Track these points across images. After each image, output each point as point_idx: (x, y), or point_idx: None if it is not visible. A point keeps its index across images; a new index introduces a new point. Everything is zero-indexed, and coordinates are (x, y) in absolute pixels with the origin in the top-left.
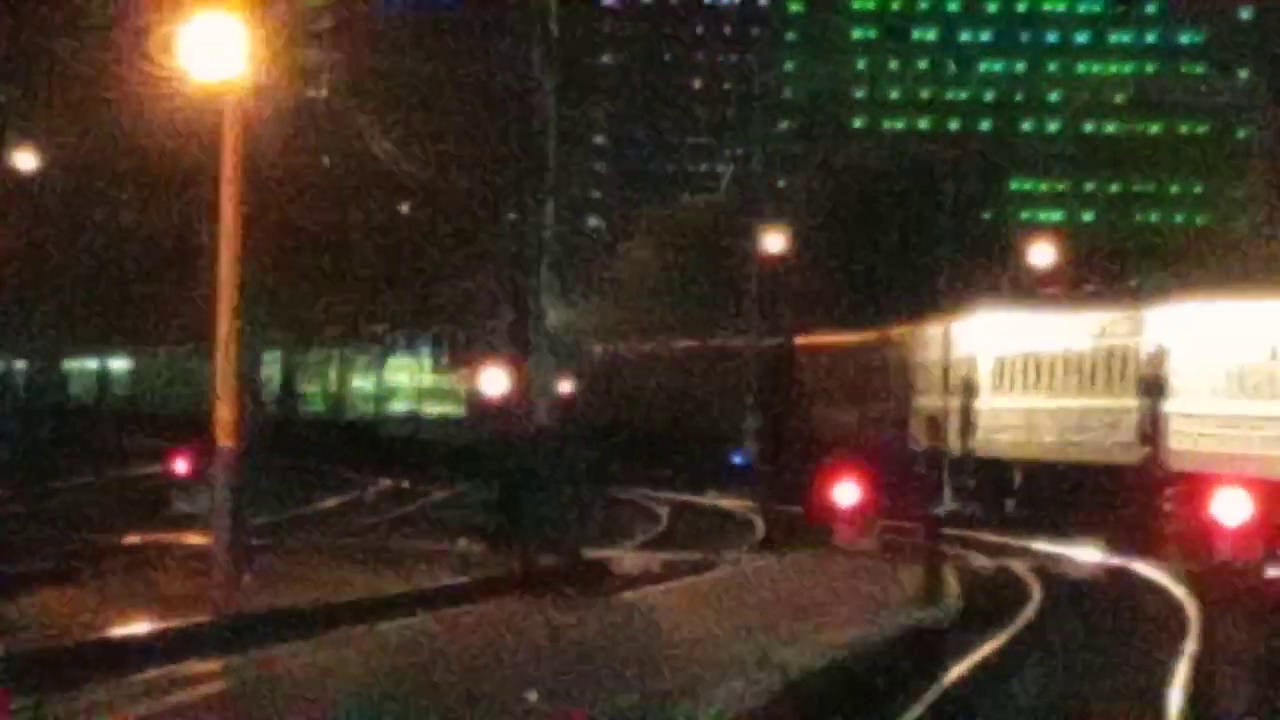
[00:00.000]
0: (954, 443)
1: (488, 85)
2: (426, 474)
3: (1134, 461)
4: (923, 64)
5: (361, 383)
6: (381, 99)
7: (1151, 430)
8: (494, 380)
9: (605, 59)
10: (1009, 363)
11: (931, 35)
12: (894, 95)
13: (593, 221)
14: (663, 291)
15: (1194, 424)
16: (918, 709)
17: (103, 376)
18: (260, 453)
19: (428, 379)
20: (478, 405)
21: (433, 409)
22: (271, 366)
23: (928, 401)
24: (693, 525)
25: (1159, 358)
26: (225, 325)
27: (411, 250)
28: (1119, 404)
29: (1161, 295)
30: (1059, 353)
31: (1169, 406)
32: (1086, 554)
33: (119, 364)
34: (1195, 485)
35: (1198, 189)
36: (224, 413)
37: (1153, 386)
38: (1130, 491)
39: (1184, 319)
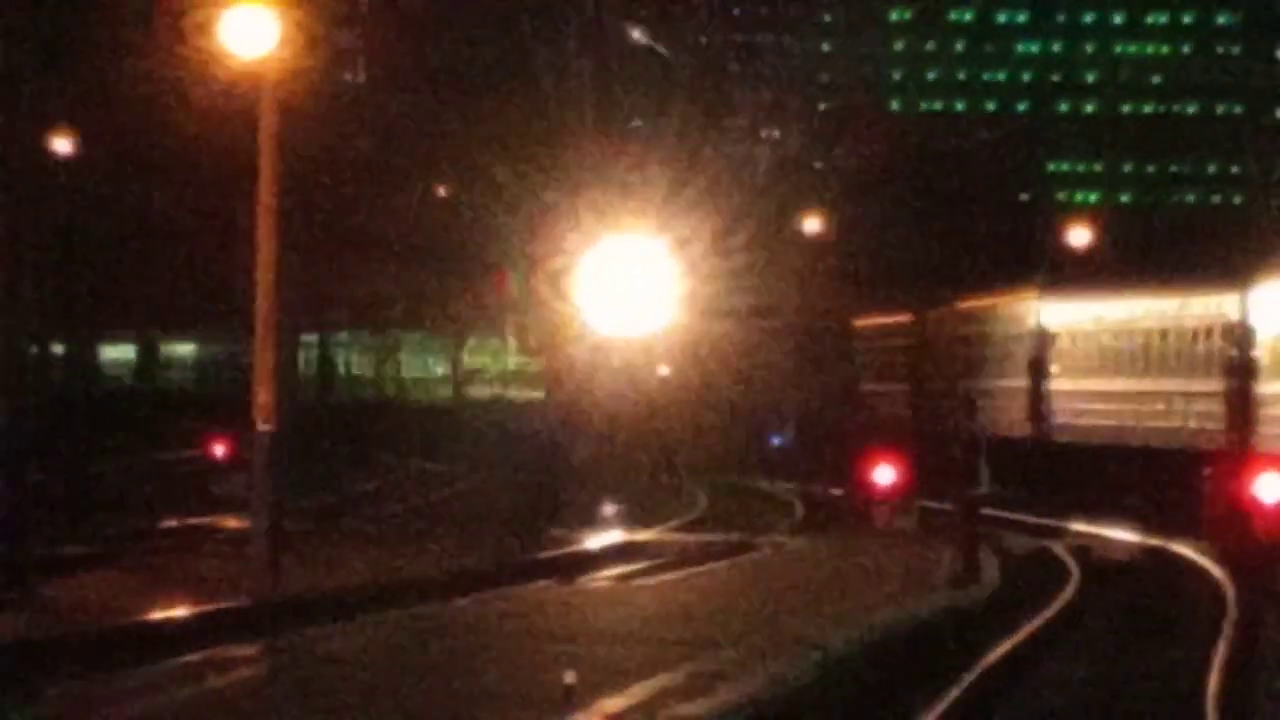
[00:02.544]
0: (1004, 424)
1: (525, 69)
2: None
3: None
4: (959, 45)
5: (438, 366)
6: (416, 83)
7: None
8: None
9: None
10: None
11: (968, 16)
12: (931, 77)
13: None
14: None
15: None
16: (954, 690)
17: (140, 360)
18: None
19: (512, 361)
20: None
21: (518, 394)
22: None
23: (969, 383)
24: (732, 508)
25: (1246, 338)
26: (264, 309)
27: (448, 234)
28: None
29: (1252, 273)
30: (1139, 333)
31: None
32: (1125, 534)
33: (155, 348)
34: (1234, 465)
35: (1234, 169)
36: (263, 397)
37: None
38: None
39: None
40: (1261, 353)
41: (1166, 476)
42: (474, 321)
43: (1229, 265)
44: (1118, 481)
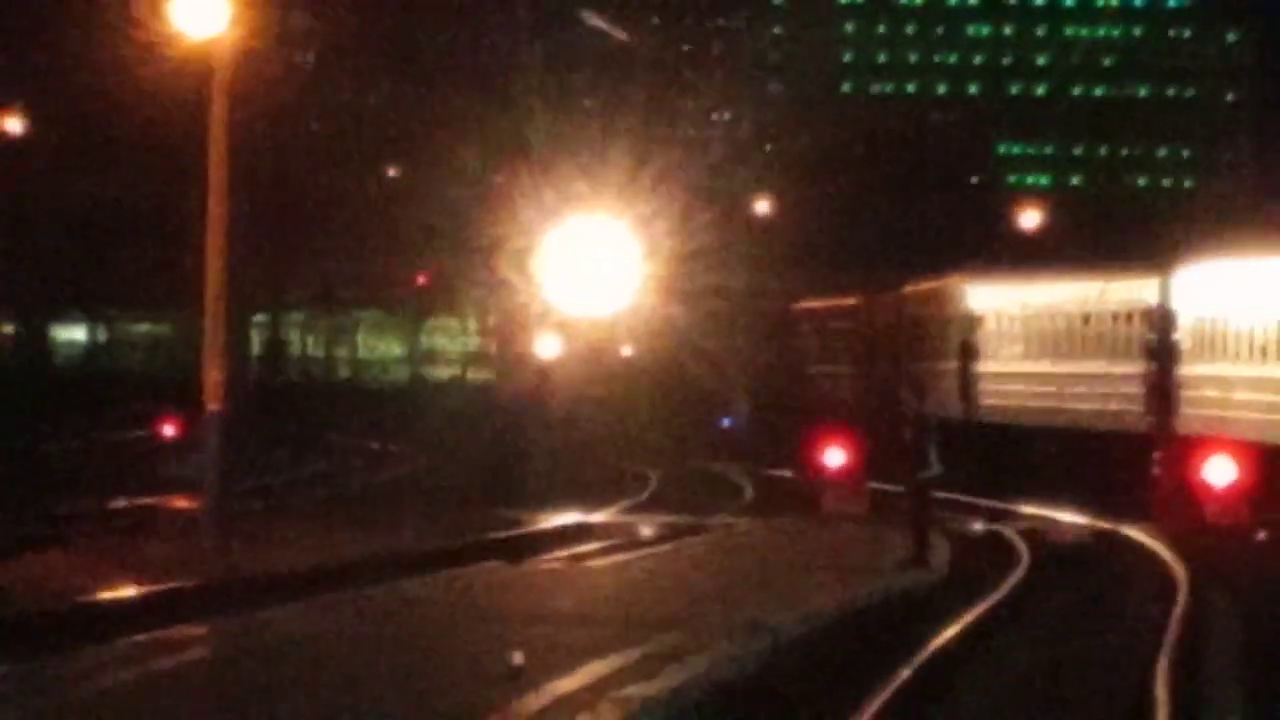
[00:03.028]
0: (951, 406)
1: (474, 50)
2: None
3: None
4: (910, 28)
5: (395, 347)
6: (368, 64)
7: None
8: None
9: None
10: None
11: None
12: (882, 59)
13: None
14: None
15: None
16: (904, 671)
17: (90, 341)
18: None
19: (473, 343)
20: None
21: (478, 375)
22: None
23: (917, 365)
24: (682, 490)
25: (1167, 322)
26: (213, 289)
27: (402, 214)
28: (1120, 370)
29: (1173, 259)
30: (1061, 317)
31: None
32: (1076, 518)
33: (105, 328)
34: (1184, 449)
35: (1186, 152)
36: (212, 377)
37: (1160, 351)
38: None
39: (1196, 281)
40: (1182, 337)
41: (1088, 456)
42: (432, 302)
43: (1149, 251)
44: (1041, 461)
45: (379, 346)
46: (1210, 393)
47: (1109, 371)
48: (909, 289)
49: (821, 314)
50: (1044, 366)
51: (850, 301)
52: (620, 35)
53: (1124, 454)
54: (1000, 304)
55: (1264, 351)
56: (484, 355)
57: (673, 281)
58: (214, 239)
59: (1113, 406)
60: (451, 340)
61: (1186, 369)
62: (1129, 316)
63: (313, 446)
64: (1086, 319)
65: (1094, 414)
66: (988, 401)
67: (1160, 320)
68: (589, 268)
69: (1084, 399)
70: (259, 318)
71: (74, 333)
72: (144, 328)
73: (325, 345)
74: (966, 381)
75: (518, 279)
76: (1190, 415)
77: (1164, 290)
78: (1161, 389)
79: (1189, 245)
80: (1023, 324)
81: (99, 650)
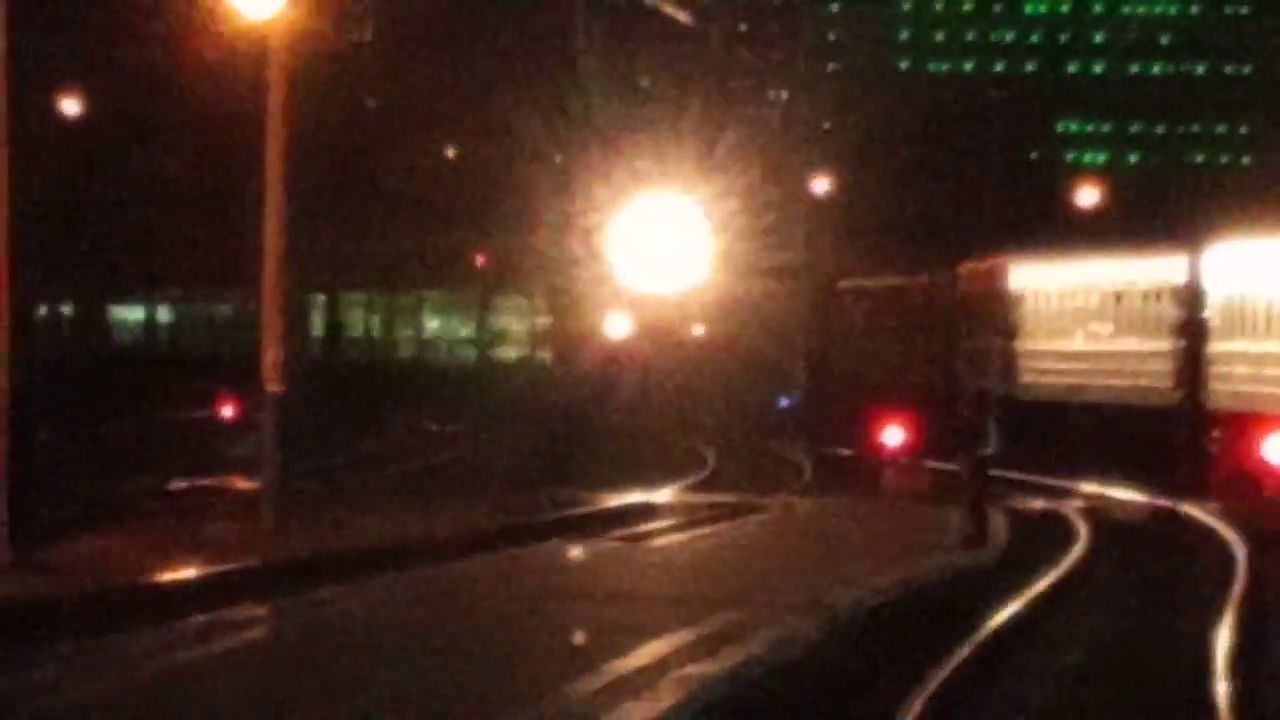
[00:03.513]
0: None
1: (530, 27)
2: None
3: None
4: (968, 5)
5: (461, 327)
6: (424, 43)
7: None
8: (619, 324)
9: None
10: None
11: None
12: (939, 38)
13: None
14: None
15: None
16: (963, 650)
17: (149, 321)
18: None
19: (542, 322)
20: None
21: (547, 355)
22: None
23: (975, 342)
24: (742, 469)
25: (1197, 299)
26: (271, 269)
27: (464, 191)
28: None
29: (1203, 236)
30: (1095, 294)
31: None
32: (1134, 495)
33: (166, 309)
34: (1243, 426)
35: (1244, 129)
36: (270, 357)
37: (1190, 328)
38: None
39: (1226, 260)
40: (1211, 314)
41: (1122, 431)
42: (500, 281)
43: (1178, 229)
44: (1075, 436)
45: (445, 326)
46: (1241, 368)
47: (1139, 349)
48: (963, 268)
49: (880, 292)
50: (1076, 344)
51: (909, 280)
52: (680, 15)
53: (1149, 428)
54: (1040, 283)
55: None
56: (553, 335)
57: (733, 260)
58: (272, 218)
59: (1142, 383)
60: (520, 319)
61: (1217, 345)
62: (1158, 294)
63: (372, 427)
64: (1119, 297)
65: (1125, 389)
66: (1025, 379)
67: (1189, 297)
68: (657, 245)
69: (1115, 375)
70: (320, 298)
71: (133, 313)
72: (204, 308)
73: (387, 325)
74: (1008, 359)
75: (586, 256)
76: (1220, 390)
77: (1193, 268)
78: (1190, 365)
79: (1218, 223)
80: (1058, 302)
81: (160, 630)
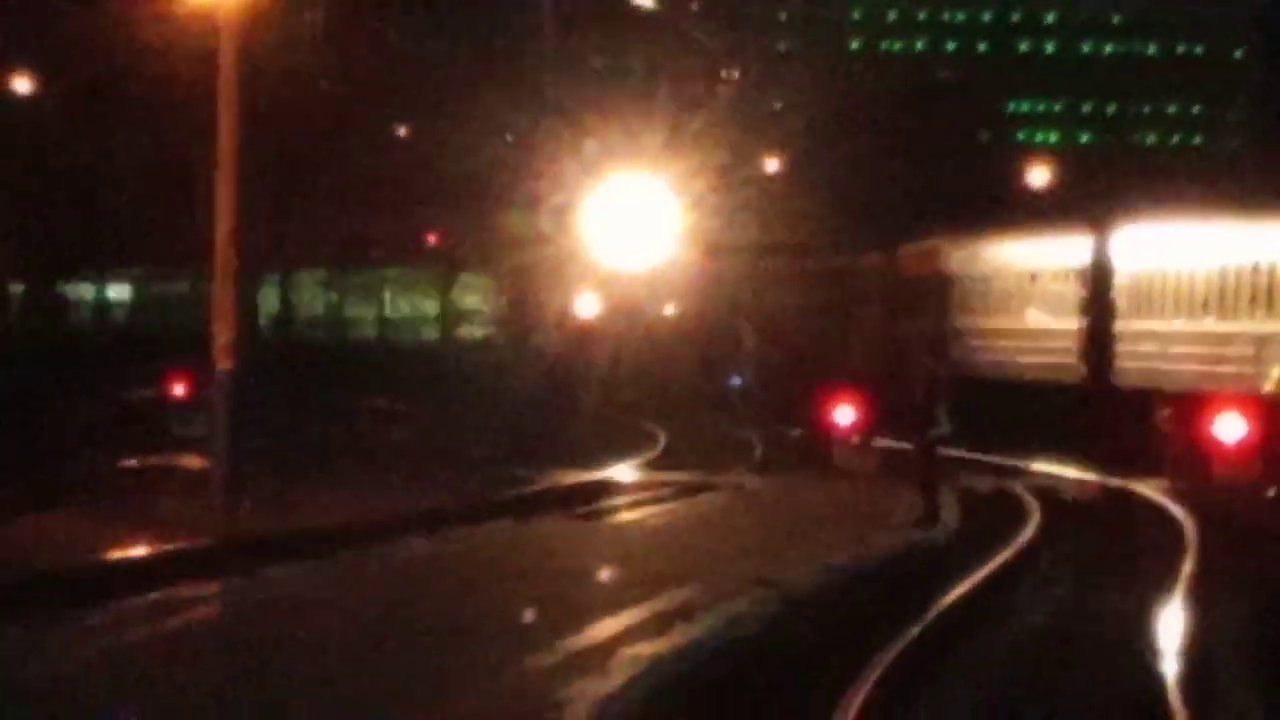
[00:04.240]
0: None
1: (485, 7)
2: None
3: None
4: None
5: (422, 306)
6: (378, 23)
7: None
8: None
9: None
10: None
11: None
12: (891, 17)
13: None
14: None
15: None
16: (914, 629)
17: (100, 301)
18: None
19: (505, 300)
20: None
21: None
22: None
23: (921, 323)
24: (694, 447)
25: (1102, 280)
26: (223, 248)
27: (423, 170)
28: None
29: (1111, 220)
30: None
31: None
32: (1086, 474)
33: (119, 289)
34: (1193, 405)
35: (1195, 110)
36: (222, 336)
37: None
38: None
39: (1132, 241)
40: (1119, 293)
41: (1037, 407)
42: (464, 260)
43: (1086, 210)
44: (998, 412)
45: (408, 305)
46: (1146, 347)
47: (1051, 327)
48: (904, 248)
49: (830, 272)
50: (999, 323)
51: (858, 259)
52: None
53: (1063, 404)
54: (971, 265)
55: (1188, 307)
56: (525, 315)
57: (685, 240)
58: (224, 197)
59: (1052, 360)
60: (486, 299)
61: (1122, 324)
62: (1067, 275)
63: (326, 406)
64: (1034, 277)
65: (1038, 367)
66: (955, 356)
67: (1094, 278)
68: (625, 223)
69: (1028, 353)
70: (279, 277)
71: (84, 292)
72: (157, 287)
73: (343, 305)
74: (937, 339)
75: (551, 234)
76: (1127, 368)
77: (1099, 249)
78: (1095, 343)
79: (1125, 206)
80: (984, 284)
81: (110, 609)
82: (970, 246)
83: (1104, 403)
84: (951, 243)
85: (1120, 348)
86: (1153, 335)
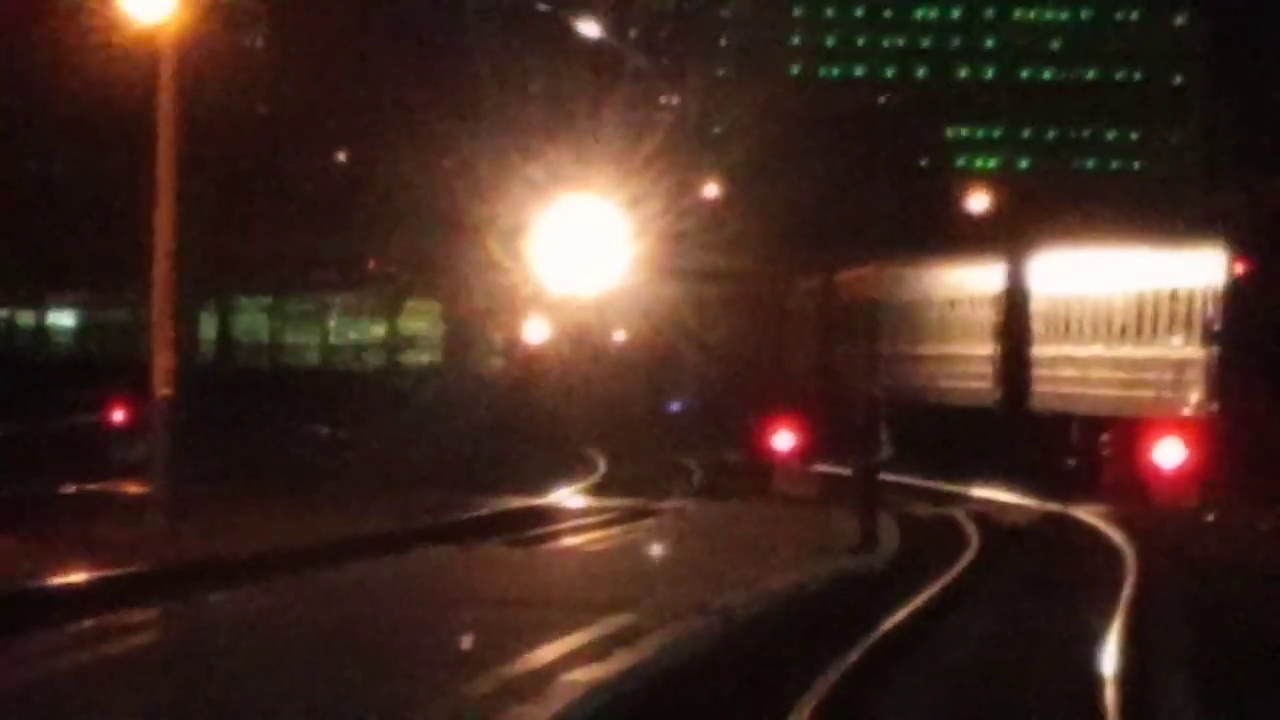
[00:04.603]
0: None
1: (422, 31)
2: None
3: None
4: (858, 11)
5: (370, 332)
6: (315, 47)
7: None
8: (537, 329)
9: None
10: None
11: None
12: (830, 42)
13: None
14: None
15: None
16: (852, 654)
17: (38, 326)
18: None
19: (450, 326)
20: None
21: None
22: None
23: (857, 347)
24: (633, 473)
25: (1015, 306)
26: (162, 273)
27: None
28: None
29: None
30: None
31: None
32: (1025, 500)
33: (58, 315)
34: (1133, 430)
35: (1134, 135)
36: (161, 362)
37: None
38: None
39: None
40: (1035, 319)
41: (956, 431)
42: (410, 285)
43: (1000, 239)
44: (921, 436)
45: (352, 331)
46: (1066, 371)
47: (966, 353)
48: (841, 275)
49: (767, 297)
50: (923, 349)
51: (796, 284)
52: (575, 24)
53: (976, 428)
54: (897, 291)
55: (1105, 332)
56: (467, 340)
57: (634, 265)
58: (163, 223)
59: (972, 385)
60: (433, 325)
61: (1038, 349)
62: (983, 302)
63: (265, 433)
64: (953, 304)
65: (955, 391)
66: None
67: (1007, 304)
68: (574, 247)
69: (948, 378)
70: (219, 303)
71: (21, 317)
72: (97, 313)
73: (286, 331)
74: (870, 364)
75: (497, 259)
76: (1042, 393)
77: (1012, 275)
78: (1008, 368)
79: (1039, 233)
80: (912, 309)
81: (48, 635)
82: (898, 272)
83: (1018, 427)
84: (880, 269)
85: (1037, 372)
86: (1070, 360)
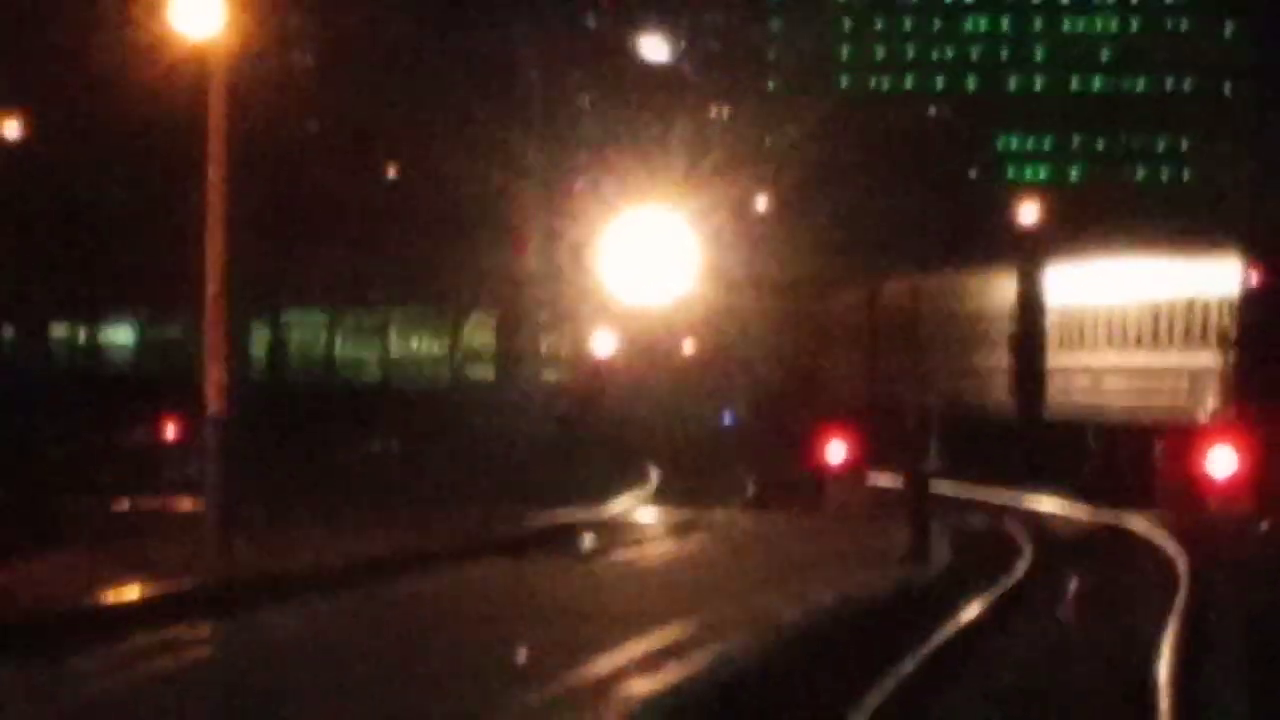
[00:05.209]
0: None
1: (472, 52)
2: None
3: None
4: (907, 23)
5: (430, 346)
6: (367, 65)
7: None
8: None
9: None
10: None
11: None
12: (880, 55)
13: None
14: None
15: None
16: (906, 666)
17: (95, 343)
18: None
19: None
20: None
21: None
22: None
23: (907, 358)
24: (687, 485)
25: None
26: (213, 290)
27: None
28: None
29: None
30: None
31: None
32: (1078, 510)
33: (117, 332)
34: (1188, 439)
35: (1184, 144)
36: (213, 377)
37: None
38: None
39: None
40: (1051, 329)
41: (979, 439)
42: (475, 298)
43: (1012, 251)
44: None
45: (415, 345)
46: (1082, 381)
47: (984, 364)
48: (888, 285)
49: (820, 309)
50: (955, 359)
51: (847, 296)
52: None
53: (995, 437)
54: (935, 302)
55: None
56: (539, 353)
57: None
58: (214, 238)
59: (992, 394)
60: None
61: (1053, 359)
62: (999, 314)
63: (326, 450)
64: (971, 316)
65: (977, 402)
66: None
67: (1020, 314)
68: (643, 258)
69: (971, 389)
70: (274, 318)
71: (79, 334)
72: (154, 330)
73: (345, 346)
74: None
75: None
76: (1057, 400)
77: (1028, 285)
78: (1020, 378)
79: (1052, 244)
80: (935, 320)
81: (103, 652)
82: (934, 284)
83: (1034, 434)
84: (921, 280)
85: (1053, 382)
86: (1086, 370)
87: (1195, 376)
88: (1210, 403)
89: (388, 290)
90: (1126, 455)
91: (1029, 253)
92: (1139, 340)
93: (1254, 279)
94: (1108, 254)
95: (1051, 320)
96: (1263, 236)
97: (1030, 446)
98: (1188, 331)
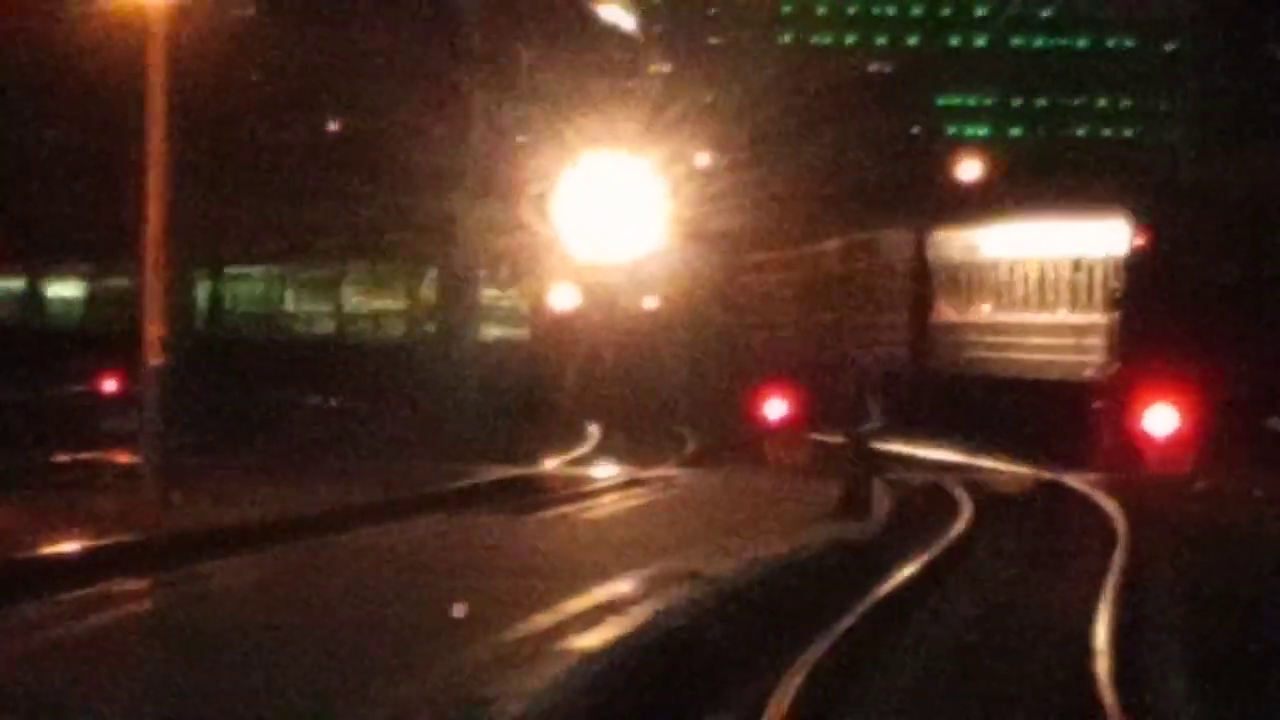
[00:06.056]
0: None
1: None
2: None
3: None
4: None
5: (388, 300)
6: (310, 15)
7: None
8: (565, 296)
9: None
10: None
11: None
12: (821, 11)
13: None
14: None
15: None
16: (845, 621)
17: (30, 295)
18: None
19: (489, 295)
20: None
21: (492, 331)
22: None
23: (848, 316)
24: (626, 442)
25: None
26: (152, 243)
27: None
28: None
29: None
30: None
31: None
32: (1018, 468)
33: (64, 286)
34: (1125, 398)
35: (1126, 102)
36: (151, 330)
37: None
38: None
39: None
40: (935, 289)
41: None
42: (428, 250)
43: (909, 214)
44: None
45: (369, 300)
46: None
47: (882, 320)
48: (830, 243)
49: (758, 266)
50: (862, 317)
51: (793, 253)
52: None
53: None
54: (857, 260)
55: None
56: (499, 309)
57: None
58: (154, 191)
59: (890, 350)
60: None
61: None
62: (894, 271)
63: (270, 404)
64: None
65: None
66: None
67: (914, 273)
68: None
69: (877, 343)
70: (232, 271)
71: (11, 285)
72: (97, 283)
73: (297, 300)
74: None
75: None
76: (941, 356)
77: (918, 248)
78: (912, 333)
79: (938, 212)
80: (848, 279)
81: (40, 605)
82: (862, 243)
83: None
84: (846, 239)
85: (941, 337)
86: (974, 326)
87: (1081, 333)
88: (1096, 359)
89: (340, 243)
90: (1013, 408)
91: (927, 214)
92: (1027, 300)
93: (1138, 239)
94: (1000, 216)
95: (942, 278)
96: (1146, 197)
97: (926, 400)
98: (1073, 290)
